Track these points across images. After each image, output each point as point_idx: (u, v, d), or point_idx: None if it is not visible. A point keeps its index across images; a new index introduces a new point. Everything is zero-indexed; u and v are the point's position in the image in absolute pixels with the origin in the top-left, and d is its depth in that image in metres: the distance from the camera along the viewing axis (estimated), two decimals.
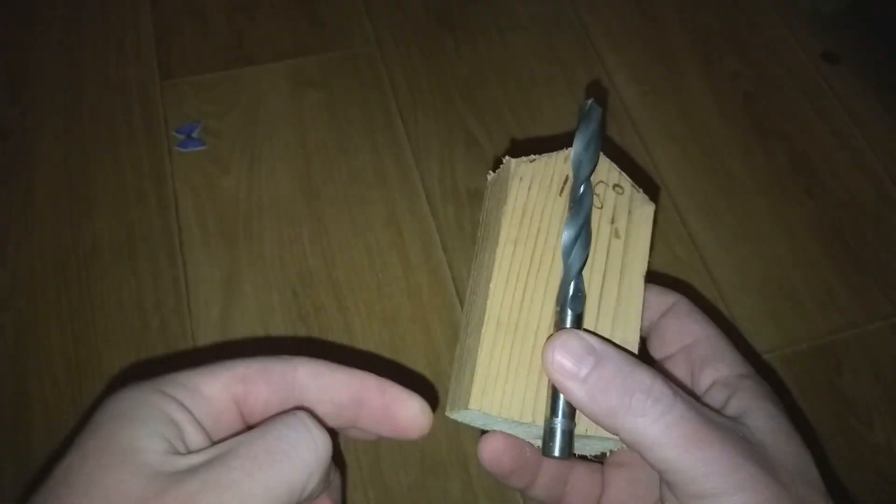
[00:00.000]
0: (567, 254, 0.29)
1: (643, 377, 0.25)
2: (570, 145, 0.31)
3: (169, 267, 0.56)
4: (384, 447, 0.50)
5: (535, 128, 0.65)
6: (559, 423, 0.26)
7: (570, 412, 0.27)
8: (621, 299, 0.29)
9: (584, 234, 0.29)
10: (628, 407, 0.24)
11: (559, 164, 0.31)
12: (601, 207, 0.30)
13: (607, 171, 0.31)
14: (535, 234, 0.29)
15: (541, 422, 0.27)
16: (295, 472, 0.23)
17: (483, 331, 0.28)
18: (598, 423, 0.26)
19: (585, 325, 0.28)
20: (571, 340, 0.26)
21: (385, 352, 0.54)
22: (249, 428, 0.26)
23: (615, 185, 0.31)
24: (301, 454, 0.23)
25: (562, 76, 0.68)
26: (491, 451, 0.30)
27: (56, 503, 0.21)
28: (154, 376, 0.25)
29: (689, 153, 0.65)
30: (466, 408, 0.27)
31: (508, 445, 0.29)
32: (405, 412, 0.28)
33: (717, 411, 0.27)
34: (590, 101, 0.30)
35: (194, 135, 0.62)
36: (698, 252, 0.60)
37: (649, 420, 0.24)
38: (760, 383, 0.28)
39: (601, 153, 0.31)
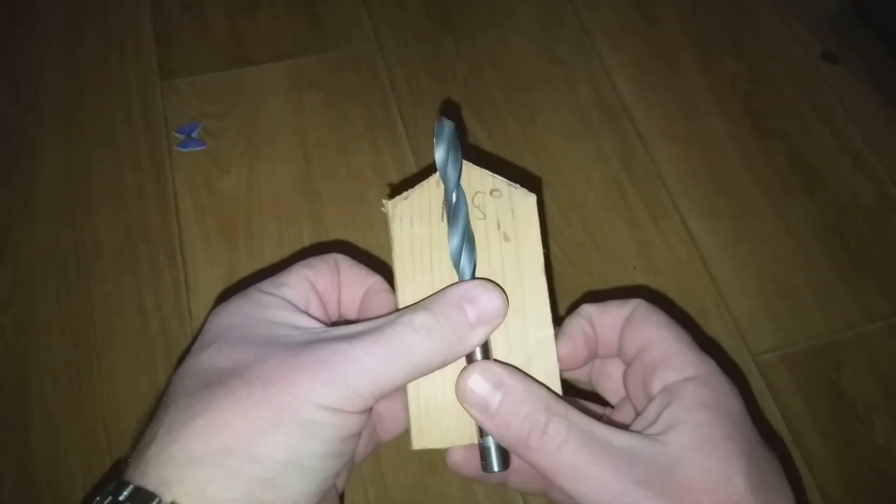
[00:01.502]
0: (456, 262, 0.29)
1: (538, 416, 0.27)
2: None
3: (169, 267, 0.56)
4: (384, 447, 0.50)
5: (534, 128, 0.65)
6: (490, 440, 0.29)
7: None
8: (527, 299, 0.30)
9: (467, 239, 0.30)
10: (527, 444, 0.27)
11: (433, 191, 0.31)
12: (484, 218, 0.31)
13: (480, 179, 0.31)
14: (430, 266, 0.30)
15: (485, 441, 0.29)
16: (406, 365, 0.27)
17: None
18: (507, 449, 0.28)
19: (500, 337, 0.30)
20: (481, 375, 0.28)
21: None
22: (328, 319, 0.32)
23: (492, 191, 0.31)
24: (413, 356, 0.27)
25: (562, 76, 0.68)
26: (452, 464, 0.32)
27: (212, 359, 0.27)
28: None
29: (689, 153, 0.65)
30: (412, 448, 0.29)
31: (467, 456, 0.31)
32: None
33: (633, 431, 0.27)
34: (441, 119, 0.30)
35: (194, 135, 0.63)
36: (698, 252, 0.60)
37: (544, 456, 0.26)
38: (705, 385, 0.28)
39: (469, 162, 0.31)
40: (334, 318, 0.33)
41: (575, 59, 0.69)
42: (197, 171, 0.61)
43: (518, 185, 0.31)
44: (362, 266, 0.33)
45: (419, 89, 0.66)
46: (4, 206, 0.59)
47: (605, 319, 0.32)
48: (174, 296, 0.55)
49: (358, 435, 0.28)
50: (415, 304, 0.29)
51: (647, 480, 0.25)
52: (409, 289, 0.30)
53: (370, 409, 0.27)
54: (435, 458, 0.50)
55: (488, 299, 0.28)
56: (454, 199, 0.30)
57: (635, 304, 0.32)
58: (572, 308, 0.33)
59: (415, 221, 0.31)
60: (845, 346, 0.56)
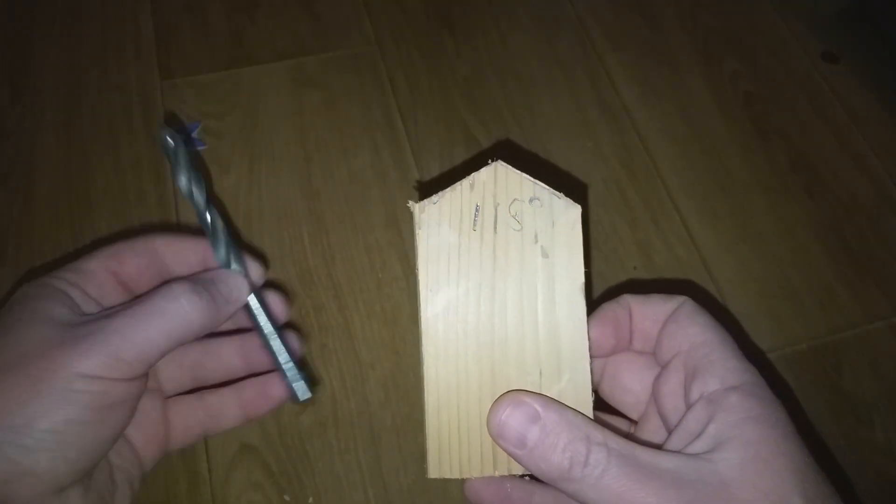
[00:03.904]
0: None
1: (579, 447, 0.26)
2: (475, 170, 0.29)
3: None
4: (384, 447, 0.50)
5: (534, 128, 0.65)
6: (291, 375, 0.32)
7: (293, 362, 0.33)
8: (562, 322, 0.28)
9: (234, 252, 0.33)
10: (568, 476, 0.26)
11: (465, 195, 0.28)
12: (521, 229, 0.28)
13: (519, 185, 0.29)
14: (457, 277, 0.28)
15: (503, 471, 0.28)
16: (166, 327, 0.30)
17: (425, 397, 0.28)
18: (544, 481, 0.27)
19: (530, 360, 0.28)
20: (514, 408, 0.27)
21: (385, 351, 0.54)
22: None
23: (532, 199, 0.29)
24: (172, 320, 0.30)
25: (562, 76, 0.68)
26: (470, 491, 0.31)
27: None
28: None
29: (689, 153, 0.65)
30: (427, 476, 0.28)
31: (485, 483, 0.30)
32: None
33: (675, 451, 0.27)
34: (164, 137, 0.31)
35: (194, 135, 0.63)
36: (698, 252, 0.60)
37: (586, 486, 0.26)
38: (750, 396, 0.27)
39: (508, 165, 0.29)
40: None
41: (575, 59, 0.69)
42: None
43: (561, 194, 0.29)
44: (187, 238, 0.36)
45: (419, 89, 0.66)
46: (4, 206, 0.59)
47: (646, 311, 0.31)
48: None
49: (128, 405, 0.30)
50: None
51: (697, 503, 0.24)
52: (434, 299, 0.28)
53: (145, 378, 0.30)
54: None
55: (233, 281, 0.33)
56: (209, 219, 0.32)
57: (681, 300, 0.30)
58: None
59: (443, 228, 0.28)
60: (845, 346, 0.56)
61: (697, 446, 0.26)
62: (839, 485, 0.26)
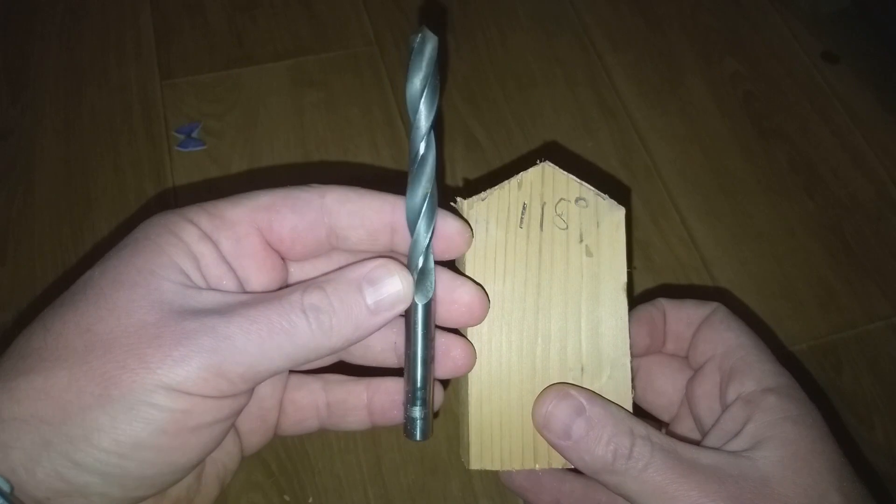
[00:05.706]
0: (412, 225, 0.26)
1: (623, 440, 0.26)
2: (522, 170, 0.29)
3: None
4: (384, 447, 0.50)
5: (534, 128, 0.65)
6: (417, 411, 0.27)
7: (425, 398, 0.27)
8: (604, 319, 0.29)
9: (430, 198, 0.26)
10: (611, 468, 0.26)
11: (512, 194, 0.29)
12: (566, 228, 0.29)
13: (566, 185, 0.29)
14: (503, 274, 0.29)
15: (544, 464, 0.28)
16: (288, 348, 0.24)
17: (469, 390, 0.28)
18: (586, 473, 0.28)
19: (572, 357, 0.28)
20: (560, 401, 0.27)
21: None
22: (279, 258, 0.28)
23: (577, 199, 0.29)
24: (297, 339, 0.24)
25: (562, 76, 0.68)
26: (505, 475, 0.31)
27: (70, 308, 0.24)
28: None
29: (689, 153, 0.65)
30: (469, 468, 0.28)
31: (524, 475, 0.31)
32: (446, 228, 0.27)
33: (714, 448, 0.27)
34: (422, 30, 0.25)
35: (194, 135, 0.62)
36: (698, 252, 0.60)
37: (629, 479, 0.26)
38: (787, 397, 0.28)
39: (555, 165, 0.29)
40: (297, 259, 0.28)
41: (575, 59, 0.69)
42: (197, 171, 0.61)
43: (606, 196, 0.30)
44: (367, 194, 0.27)
45: None
46: (4, 206, 0.59)
47: (680, 315, 0.32)
48: None
49: (223, 423, 0.24)
50: (312, 279, 0.25)
51: (738, 497, 0.25)
52: None
53: (246, 396, 0.25)
54: (436, 459, 0.50)
55: (390, 284, 0.25)
56: (421, 148, 0.25)
57: (715, 306, 0.31)
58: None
59: (490, 225, 0.29)
60: (845, 346, 0.56)
61: (736, 445, 0.27)
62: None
